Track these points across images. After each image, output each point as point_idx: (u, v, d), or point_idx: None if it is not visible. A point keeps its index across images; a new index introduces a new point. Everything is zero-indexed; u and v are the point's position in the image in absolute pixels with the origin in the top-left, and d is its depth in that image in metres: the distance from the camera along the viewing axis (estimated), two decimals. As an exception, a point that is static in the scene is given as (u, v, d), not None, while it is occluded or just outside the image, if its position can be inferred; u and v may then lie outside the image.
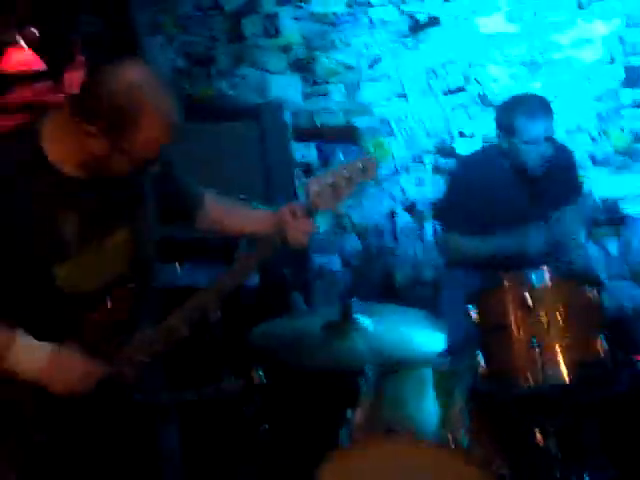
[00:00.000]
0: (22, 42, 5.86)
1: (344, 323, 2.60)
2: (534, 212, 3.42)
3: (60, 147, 2.03)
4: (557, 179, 3.49)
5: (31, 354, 2.05)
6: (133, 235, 2.20)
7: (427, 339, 2.61)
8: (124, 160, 2.00)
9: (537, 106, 3.39)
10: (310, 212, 2.32)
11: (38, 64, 4.65)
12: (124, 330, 2.19)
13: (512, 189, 3.48)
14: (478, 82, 4.31)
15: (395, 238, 4.56)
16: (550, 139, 3.36)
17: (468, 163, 3.81)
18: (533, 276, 2.71)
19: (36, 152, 2.01)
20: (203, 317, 2.23)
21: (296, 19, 4.48)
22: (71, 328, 2.11)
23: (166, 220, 2.35)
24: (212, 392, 2.90)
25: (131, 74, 1.95)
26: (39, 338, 2.07)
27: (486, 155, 3.67)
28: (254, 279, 3.75)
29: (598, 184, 4.26)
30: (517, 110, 3.37)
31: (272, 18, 4.51)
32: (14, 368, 2.04)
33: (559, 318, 2.66)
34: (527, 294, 2.66)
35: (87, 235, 2.09)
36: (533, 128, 3.32)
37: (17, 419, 2.11)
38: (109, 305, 2.15)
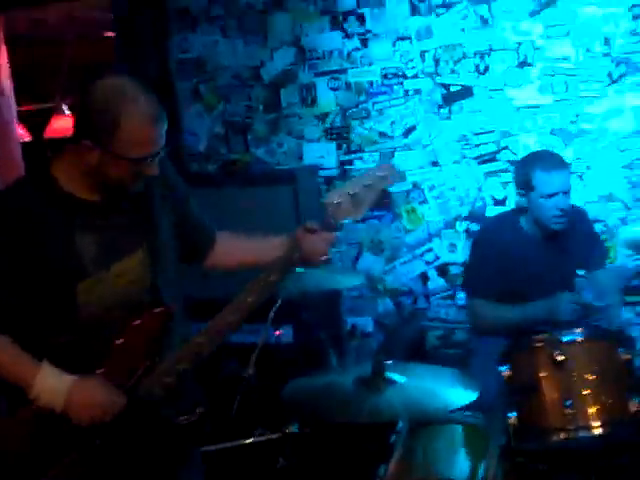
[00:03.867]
0: (66, 109, 6.10)
1: (375, 378, 2.60)
2: (556, 273, 3.40)
3: (69, 174, 2.17)
4: (578, 239, 3.50)
5: (54, 386, 2.10)
6: (149, 255, 2.26)
7: (458, 396, 2.60)
8: (120, 165, 2.11)
9: (553, 160, 3.44)
10: (328, 226, 2.29)
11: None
12: (152, 352, 2.22)
13: (531, 249, 3.48)
14: (510, 150, 4.37)
15: (427, 301, 4.59)
16: (567, 192, 3.39)
17: (486, 228, 3.86)
18: (564, 337, 2.71)
19: (49, 183, 2.16)
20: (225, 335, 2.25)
21: (332, 89, 4.61)
22: (98, 355, 2.16)
23: (181, 259, 2.41)
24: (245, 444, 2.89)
25: (108, 82, 2.11)
26: (68, 367, 2.13)
27: (503, 219, 3.70)
28: (289, 336, 3.76)
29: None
30: (535, 165, 3.41)
31: (309, 88, 4.64)
32: (38, 399, 2.09)
33: (591, 379, 2.65)
34: (558, 354, 2.67)
35: (105, 257, 2.18)
36: (551, 181, 3.36)
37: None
38: (135, 329, 2.19)
